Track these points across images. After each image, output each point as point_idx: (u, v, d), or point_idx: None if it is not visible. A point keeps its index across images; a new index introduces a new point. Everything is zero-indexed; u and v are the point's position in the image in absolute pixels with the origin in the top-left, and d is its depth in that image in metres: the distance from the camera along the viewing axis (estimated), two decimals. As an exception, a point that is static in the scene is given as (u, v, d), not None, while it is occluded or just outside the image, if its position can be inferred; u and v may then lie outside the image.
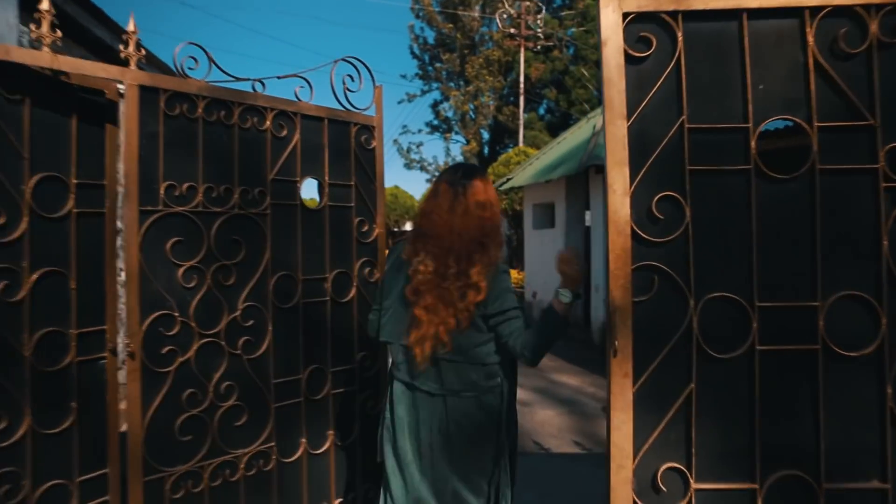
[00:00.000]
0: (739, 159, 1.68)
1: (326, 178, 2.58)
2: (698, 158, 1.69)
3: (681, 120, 1.69)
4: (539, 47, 25.70)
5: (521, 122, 21.18)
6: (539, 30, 23.16)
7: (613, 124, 1.70)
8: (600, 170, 6.83)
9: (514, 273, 13.60)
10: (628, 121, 1.71)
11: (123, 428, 2.08)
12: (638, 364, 1.68)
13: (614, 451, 1.65)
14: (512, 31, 21.58)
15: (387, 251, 2.47)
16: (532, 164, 9.00)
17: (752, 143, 1.67)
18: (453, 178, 1.96)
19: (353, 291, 2.64)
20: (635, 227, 1.71)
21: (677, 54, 1.70)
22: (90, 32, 4.64)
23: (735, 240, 1.68)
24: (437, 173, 30.82)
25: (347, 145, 2.66)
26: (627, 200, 1.70)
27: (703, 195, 1.69)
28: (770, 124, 1.72)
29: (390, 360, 2.14)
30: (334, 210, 2.60)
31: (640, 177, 1.72)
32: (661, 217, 1.69)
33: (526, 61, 27.40)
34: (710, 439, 1.65)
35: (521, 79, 21.68)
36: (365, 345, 2.66)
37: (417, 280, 1.85)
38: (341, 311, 2.60)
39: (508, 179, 9.29)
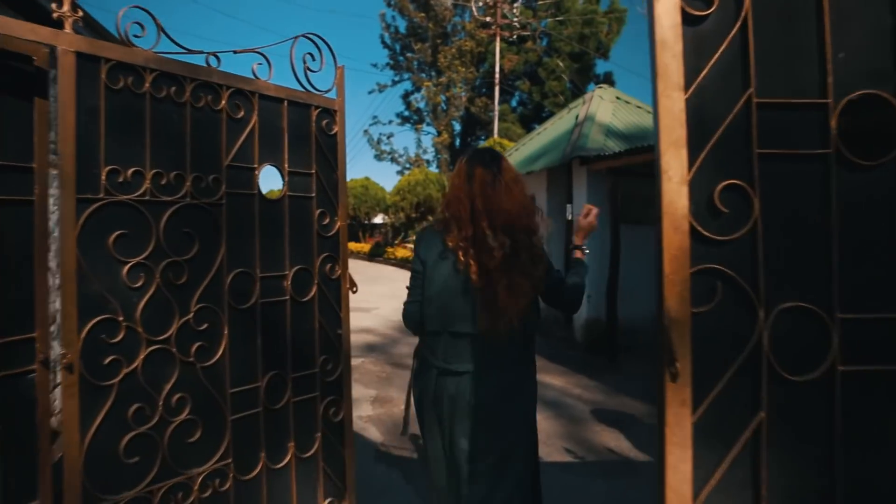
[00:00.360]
0: (817, 141, 1.40)
1: (286, 165, 2.32)
2: (768, 140, 1.40)
3: (748, 93, 1.40)
4: (514, 37, 25.37)
5: (496, 112, 20.74)
6: (515, 19, 22.77)
7: (668, 97, 1.40)
8: (585, 161, 6.58)
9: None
10: (686, 93, 1.40)
11: (58, 454, 1.76)
12: (696, 389, 1.39)
13: (670, 496, 1.35)
14: (487, 19, 21.09)
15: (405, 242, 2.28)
16: (511, 154, 8.70)
17: (833, 123, 1.39)
18: (485, 160, 2.03)
19: (314, 289, 2.42)
20: (694, 223, 1.41)
21: (744, 13, 1.40)
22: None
23: (812, 238, 1.39)
24: (408, 165, 30.49)
25: (308, 130, 2.41)
26: (685, 190, 1.40)
27: (774, 184, 1.40)
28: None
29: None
30: (294, 201, 2.36)
31: (699, 162, 1.42)
32: (725, 210, 1.40)
33: (500, 52, 27.12)
34: (783, 479, 1.37)
35: (497, 68, 21.25)
36: (328, 347, 2.48)
37: (494, 262, 1.87)
38: (302, 311, 2.38)
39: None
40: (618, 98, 7.88)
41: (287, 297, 2.32)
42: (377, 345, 7.42)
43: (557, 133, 7.79)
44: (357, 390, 5.50)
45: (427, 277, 2.01)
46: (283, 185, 2.35)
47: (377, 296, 11.60)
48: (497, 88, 21.53)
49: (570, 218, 7.91)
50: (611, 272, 6.40)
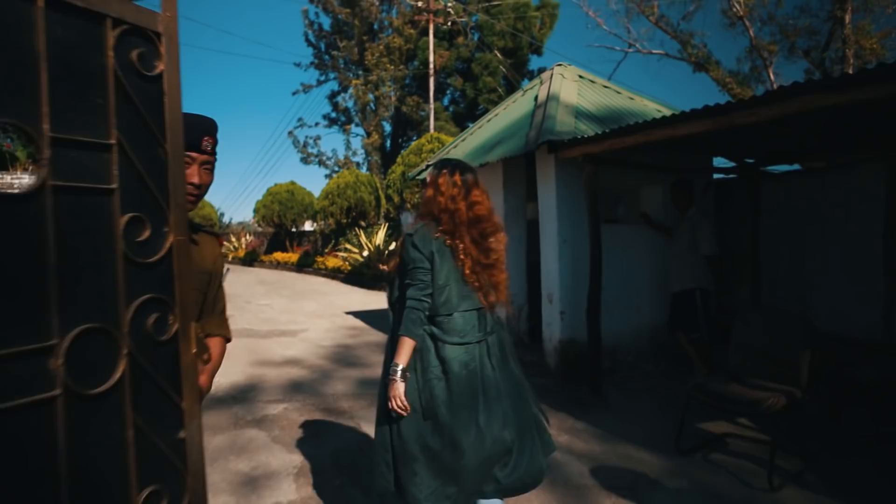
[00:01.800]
0: None
1: (46, 126, 0.98)
2: None
3: None
4: (448, 24, 24.13)
5: (432, 104, 19.48)
6: (448, 4, 21.58)
7: None
8: (554, 147, 5.37)
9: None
10: None
11: None
12: None
13: None
14: (419, 3, 19.78)
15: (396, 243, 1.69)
16: (456, 146, 7.41)
17: None
18: (470, 171, 2.67)
19: (120, 368, 1.09)
20: None
21: None
22: None
23: None
24: (336, 168, 28.82)
25: (99, 63, 1.07)
26: None
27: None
28: None
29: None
30: (69, 198, 1.02)
31: None
32: None
33: (427, 49, 25.90)
34: None
35: (431, 57, 19.98)
36: (155, 469, 1.18)
37: (498, 254, 2.69)
38: (92, 414, 1.05)
39: (428, 166, 7.64)
40: (581, 77, 6.72)
41: (57, 393, 0.97)
42: (304, 382, 5.96)
43: (513, 118, 6.55)
44: (273, 457, 4.07)
45: (435, 270, 2.40)
46: (39, 164, 0.96)
47: (306, 315, 10.09)
48: (432, 79, 20.23)
49: (531, 219, 6.70)
50: (592, 283, 5.20)
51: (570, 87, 6.31)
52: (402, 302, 2.45)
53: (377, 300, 11.88)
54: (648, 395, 5.35)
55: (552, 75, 6.57)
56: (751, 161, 6.17)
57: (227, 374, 6.24)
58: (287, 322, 9.35)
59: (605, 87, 6.83)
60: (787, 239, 5.95)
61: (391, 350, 2.44)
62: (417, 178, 7.81)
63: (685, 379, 5.63)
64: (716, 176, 6.72)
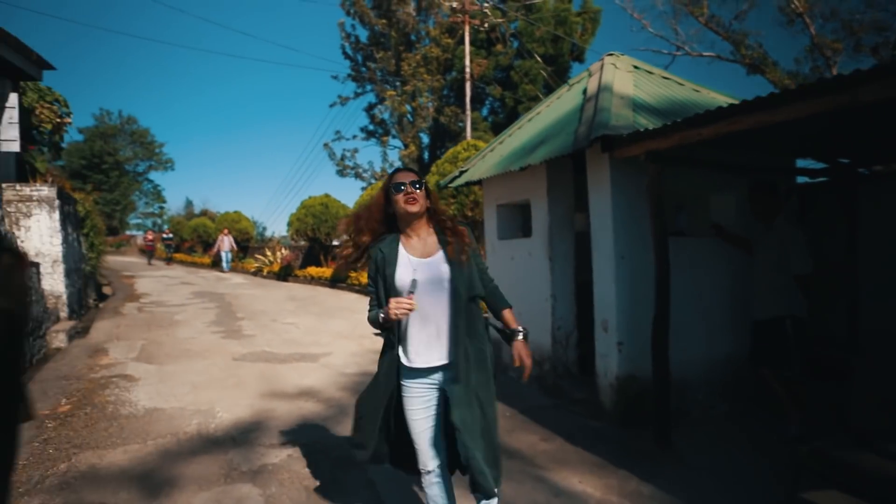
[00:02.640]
0: None
1: None
2: None
3: None
4: (485, 26, 23.34)
5: (468, 110, 18.72)
6: (486, 4, 20.83)
7: None
8: (609, 144, 4.47)
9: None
10: None
11: None
12: None
13: None
14: (454, 3, 19.08)
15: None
16: (493, 149, 6.56)
17: None
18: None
19: None
20: None
21: None
22: None
23: None
24: (373, 180, 28.32)
25: None
26: None
27: None
28: None
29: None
30: None
31: None
32: None
33: (465, 58, 25.21)
34: None
35: (467, 60, 19.23)
36: None
37: None
38: None
39: (461, 173, 6.81)
40: (636, 67, 5.82)
41: None
42: (317, 420, 5.16)
43: (558, 114, 5.68)
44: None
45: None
46: None
47: (332, 335, 9.33)
48: (468, 85, 19.42)
49: (581, 231, 5.80)
50: (658, 308, 4.26)
51: (625, 78, 5.41)
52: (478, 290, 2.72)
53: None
54: (729, 446, 4.37)
55: (603, 66, 5.68)
56: (845, 161, 5.16)
57: (233, 408, 5.49)
58: (310, 344, 8.61)
59: (665, 77, 5.90)
60: (893, 252, 4.92)
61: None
62: (450, 185, 6.98)
63: (773, 424, 4.64)
64: (799, 179, 5.71)
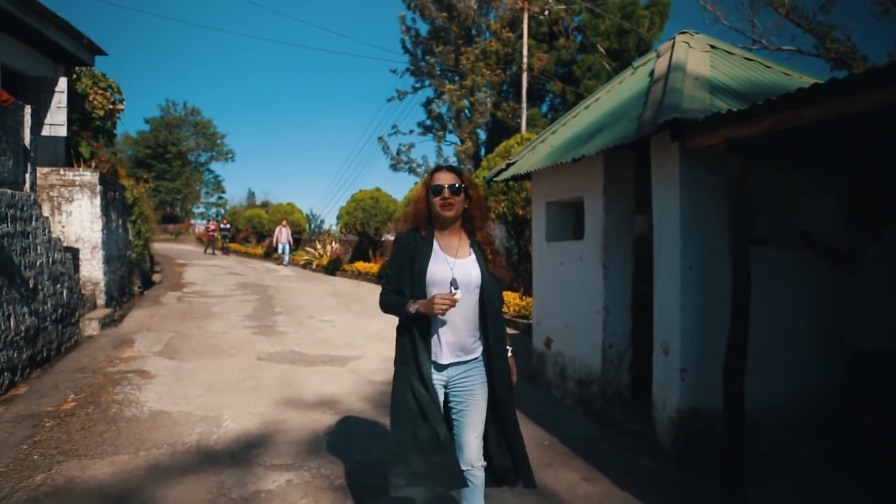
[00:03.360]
0: None
1: None
2: None
3: None
4: (545, 18, 22.45)
5: (524, 102, 17.93)
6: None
7: None
8: (680, 132, 3.70)
9: (514, 298, 10.41)
10: None
11: None
12: None
13: None
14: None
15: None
16: (545, 139, 5.84)
17: None
18: None
19: None
20: None
21: None
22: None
23: None
24: (426, 175, 27.81)
25: None
26: None
27: None
28: None
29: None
30: None
31: None
32: None
33: (529, 49, 24.37)
34: None
35: (525, 49, 18.46)
36: None
37: None
38: None
39: (508, 165, 6.12)
40: (713, 47, 4.99)
41: None
42: (331, 437, 4.58)
43: (620, 99, 4.92)
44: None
45: None
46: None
47: (367, 336, 8.79)
48: (525, 76, 18.61)
49: (641, 234, 5.04)
50: (733, 330, 3.48)
51: (700, 58, 4.61)
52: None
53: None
54: (814, 501, 3.56)
55: (674, 44, 4.89)
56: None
57: (242, 416, 4.98)
58: (342, 345, 8.08)
59: (748, 59, 5.06)
60: None
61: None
62: (495, 179, 6.31)
63: (871, 479, 3.79)
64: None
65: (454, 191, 2.58)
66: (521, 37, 25.68)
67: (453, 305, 2.45)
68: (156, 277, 16.85)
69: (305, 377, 6.31)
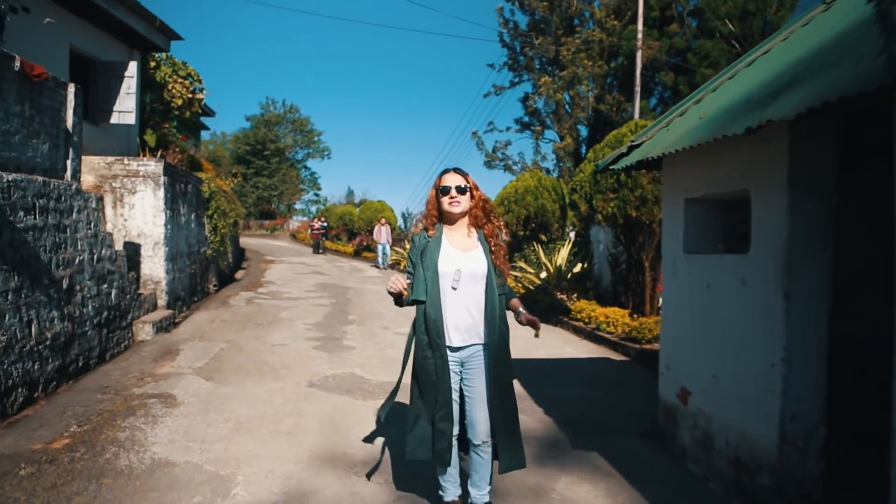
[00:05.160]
0: None
1: None
2: None
3: None
4: (654, 1, 20.29)
5: (638, 87, 16.09)
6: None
7: None
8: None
9: (622, 316, 8.66)
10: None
11: None
12: None
13: None
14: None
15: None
16: (684, 112, 4.19)
17: None
18: None
19: None
20: None
21: None
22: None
23: None
24: (521, 174, 26.24)
25: None
26: None
27: None
28: None
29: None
30: None
31: None
32: None
33: (635, 37, 22.22)
34: None
35: (640, 23, 16.51)
36: None
37: None
38: None
39: (632, 148, 4.50)
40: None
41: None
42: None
43: (822, 38, 3.22)
44: None
45: None
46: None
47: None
48: (639, 55, 16.64)
49: None
50: None
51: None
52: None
53: (553, 340, 8.85)
54: None
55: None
56: None
57: (260, 481, 3.70)
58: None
59: None
60: None
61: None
62: (612, 167, 4.72)
63: None
64: None
65: (460, 190, 2.92)
66: (627, 24, 23.59)
67: (404, 288, 2.79)
68: (239, 274, 16.31)
69: (359, 416, 4.97)
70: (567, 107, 26.47)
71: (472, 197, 2.97)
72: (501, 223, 3.14)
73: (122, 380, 5.84)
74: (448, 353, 2.88)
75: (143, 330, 8.15)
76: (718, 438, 3.75)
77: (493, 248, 2.97)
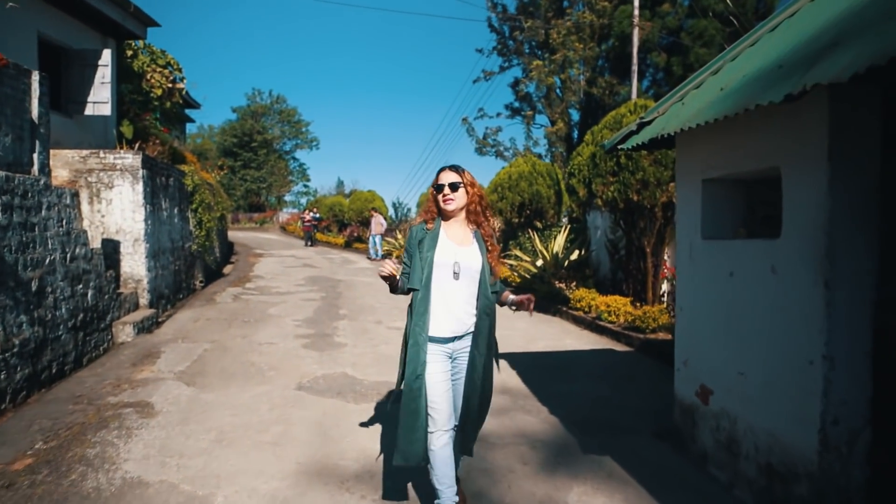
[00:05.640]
0: None
1: None
2: None
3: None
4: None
5: (635, 66, 15.72)
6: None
7: None
8: None
9: (623, 304, 8.33)
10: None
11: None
12: None
13: None
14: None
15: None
16: (700, 83, 3.82)
17: None
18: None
19: None
20: None
21: None
22: None
23: None
24: (513, 160, 25.84)
25: None
26: None
27: None
28: None
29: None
30: None
31: None
32: None
33: (629, 17, 21.80)
34: None
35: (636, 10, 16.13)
36: None
37: None
38: None
39: (642, 125, 4.12)
40: None
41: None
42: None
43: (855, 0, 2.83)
44: None
45: None
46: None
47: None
48: (636, 32, 16.23)
49: None
50: None
51: None
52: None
53: (552, 331, 8.52)
54: None
55: None
56: None
57: (242, 497, 3.34)
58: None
59: None
60: None
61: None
62: (621, 147, 4.34)
63: None
64: None
65: (453, 187, 2.99)
66: (618, 6, 23.14)
67: (390, 272, 2.81)
68: (227, 269, 15.88)
69: (351, 423, 4.61)
70: (558, 91, 26.04)
71: (467, 193, 3.02)
72: (494, 222, 3.32)
73: (96, 387, 5.45)
74: (438, 344, 2.92)
75: (124, 331, 7.74)
76: (746, 442, 3.41)
77: (489, 248, 3.05)
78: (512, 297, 3.09)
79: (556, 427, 4.57)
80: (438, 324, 2.91)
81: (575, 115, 26.81)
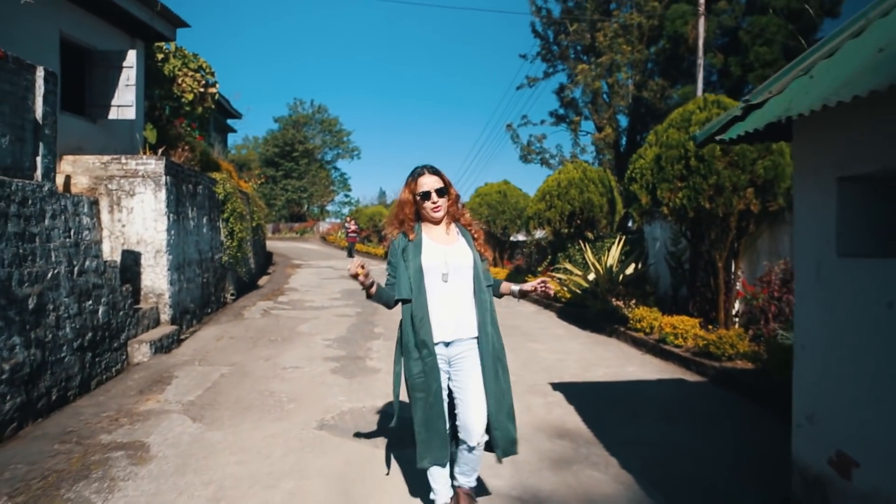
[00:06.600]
0: None
1: None
2: None
3: None
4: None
5: (701, 59, 14.67)
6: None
7: None
8: None
9: (691, 326, 7.30)
10: None
11: None
12: None
13: None
14: None
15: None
16: (833, 52, 2.88)
17: None
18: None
19: None
20: None
21: None
22: None
23: None
24: (560, 166, 24.83)
25: None
26: None
27: None
28: None
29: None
30: None
31: None
32: None
33: (681, 17, 20.70)
34: None
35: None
36: None
37: None
38: None
39: (747, 110, 3.17)
40: None
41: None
42: None
43: None
44: None
45: None
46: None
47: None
48: (702, 22, 15.13)
49: None
50: None
51: None
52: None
53: (610, 355, 7.57)
54: None
55: None
56: None
57: None
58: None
59: None
60: None
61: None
62: (719, 136, 3.41)
63: None
64: None
65: (441, 193, 2.85)
66: (668, 6, 21.99)
67: (355, 271, 2.63)
68: (262, 280, 15.35)
69: (378, 477, 3.77)
70: (605, 95, 24.97)
71: (449, 195, 2.92)
72: (466, 211, 3.05)
73: (91, 421, 4.77)
74: (439, 348, 2.81)
75: (140, 351, 7.13)
76: (916, 540, 2.45)
77: (474, 235, 2.97)
78: (515, 287, 3.02)
79: (632, 490, 3.65)
80: (440, 327, 2.78)
81: (623, 121, 25.67)
